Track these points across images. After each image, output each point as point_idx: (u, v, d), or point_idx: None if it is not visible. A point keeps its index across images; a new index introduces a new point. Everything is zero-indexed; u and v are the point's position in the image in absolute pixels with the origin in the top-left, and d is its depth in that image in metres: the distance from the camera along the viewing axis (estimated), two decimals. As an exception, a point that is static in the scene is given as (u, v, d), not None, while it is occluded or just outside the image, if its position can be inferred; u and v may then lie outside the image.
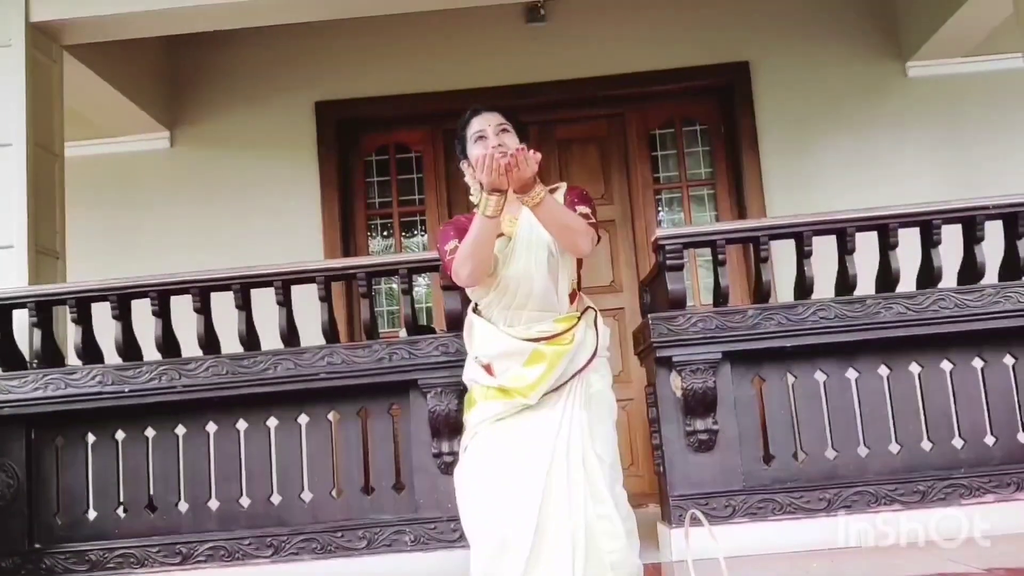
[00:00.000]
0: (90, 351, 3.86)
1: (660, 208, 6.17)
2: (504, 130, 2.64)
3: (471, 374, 2.62)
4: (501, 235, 2.53)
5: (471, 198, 2.66)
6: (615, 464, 2.50)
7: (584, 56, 5.95)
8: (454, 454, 3.59)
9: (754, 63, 6.00)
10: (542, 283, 2.54)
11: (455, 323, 3.66)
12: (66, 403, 3.74)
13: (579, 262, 2.65)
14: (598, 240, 2.62)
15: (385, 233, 6.28)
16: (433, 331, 3.85)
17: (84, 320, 3.85)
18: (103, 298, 3.82)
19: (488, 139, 2.61)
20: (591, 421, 2.48)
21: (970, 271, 3.75)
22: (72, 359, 3.96)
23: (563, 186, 2.73)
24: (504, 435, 2.47)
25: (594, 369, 2.55)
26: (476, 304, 2.67)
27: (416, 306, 4.24)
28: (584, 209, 2.61)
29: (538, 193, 2.41)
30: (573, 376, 2.49)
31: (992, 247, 3.74)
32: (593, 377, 2.55)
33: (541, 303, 2.54)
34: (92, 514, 3.80)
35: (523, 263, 2.54)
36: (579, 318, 2.56)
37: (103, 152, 6.11)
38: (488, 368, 2.56)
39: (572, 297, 2.60)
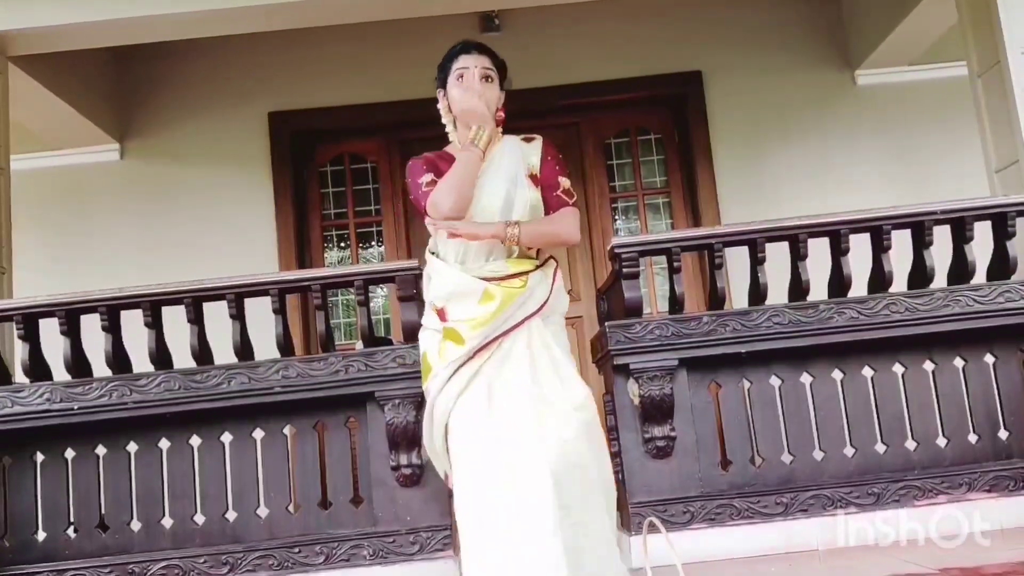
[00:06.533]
0: (37, 368, 3.77)
1: (616, 216, 6.21)
2: (488, 78, 2.65)
3: (426, 323, 2.60)
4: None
5: (448, 132, 2.72)
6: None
7: (539, 66, 5.97)
8: (413, 466, 3.58)
9: (706, 73, 6.08)
10: (494, 219, 2.55)
11: (412, 334, 3.63)
12: (13, 422, 3.64)
13: (549, 205, 2.65)
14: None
15: (342, 244, 6.24)
16: (390, 343, 3.82)
17: (31, 336, 3.76)
18: (50, 314, 3.73)
19: (471, 77, 2.63)
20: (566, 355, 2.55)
21: (920, 275, 3.81)
22: (19, 376, 3.87)
23: (538, 139, 2.74)
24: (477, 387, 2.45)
25: (550, 322, 2.57)
26: (435, 249, 2.68)
27: (373, 318, 4.21)
28: (566, 182, 2.65)
29: (512, 234, 2.48)
30: (519, 324, 2.47)
31: (941, 251, 3.81)
32: (556, 330, 2.58)
33: (492, 241, 2.55)
34: (41, 535, 3.70)
35: (483, 199, 2.55)
36: (538, 266, 2.56)
37: (51, 165, 6.01)
38: (442, 313, 2.54)
39: None
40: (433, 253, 2.69)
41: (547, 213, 2.65)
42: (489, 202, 2.58)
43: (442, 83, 2.71)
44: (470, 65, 2.64)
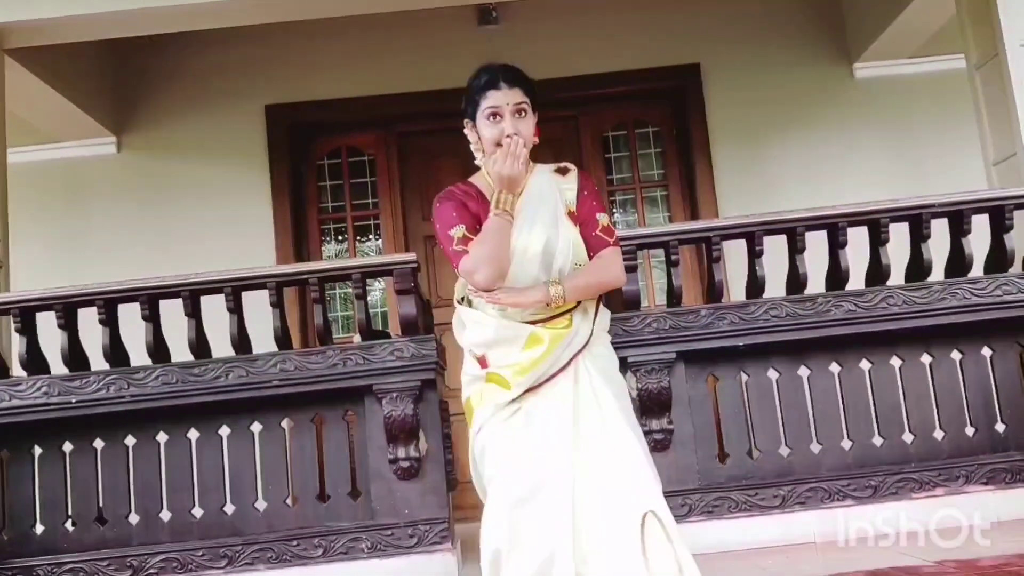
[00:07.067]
0: (35, 362, 3.77)
1: (614, 210, 6.20)
2: (521, 111, 2.46)
3: (468, 371, 2.48)
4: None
5: (476, 162, 2.52)
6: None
7: (537, 59, 5.85)
8: (411, 459, 3.59)
9: (704, 65, 6.06)
10: (535, 265, 2.40)
11: (410, 328, 3.64)
12: (11, 415, 3.64)
13: (590, 246, 2.47)
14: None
15: (339, 238, 6.23)
16: (388, 336, 3.82)
17: (28, 330, 3.76)
18: (48, 307, 3.73)
19: (504, 120, 2.41)
20: (616, 395, 2.39)
21: (917, 268, 3.81)
22: (17, 370, 3.86)
23: (573, 171, 2.58)
24: (519, 423, 2.33)
25: (600, 348, 2.45)
26: (463, 295, 2.52)
27: (371, 311, 4.21)
28: (605, 219, 2.48)
29: (557, 296, 2.34)
30: (567, 364, 2.36)
31: (938, 244, 3.81)
32: (601, 351, 2.45)
33: (534, 284, 2.39)
34: (40, 528, 3.71)
35: (520, 242, 2.40)
36: (578, 303, 2.43)
37: (48, 158, 6.00)
38: (482, 360, 2.43)
39: None
40: (461, 301, 2.53)
41: (587, 253, 2.49)
42: (528, 247, 2.42)
43: (470, 116, 2.51)
44: (501, 104, 2.44)
